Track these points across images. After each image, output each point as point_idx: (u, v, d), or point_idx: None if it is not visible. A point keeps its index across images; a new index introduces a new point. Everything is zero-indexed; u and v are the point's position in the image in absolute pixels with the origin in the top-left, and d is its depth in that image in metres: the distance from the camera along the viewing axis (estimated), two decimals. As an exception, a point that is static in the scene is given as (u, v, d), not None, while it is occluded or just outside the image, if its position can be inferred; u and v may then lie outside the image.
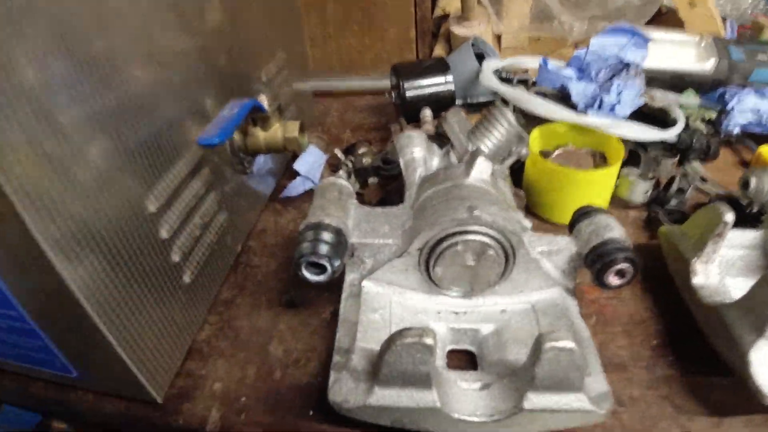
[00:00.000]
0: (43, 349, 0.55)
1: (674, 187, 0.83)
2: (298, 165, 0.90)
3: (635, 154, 0.88)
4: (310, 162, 0.90)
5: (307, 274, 0.57)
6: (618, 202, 0.86)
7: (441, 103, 0.94)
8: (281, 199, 0.90)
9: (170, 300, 0.61)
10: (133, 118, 0.52)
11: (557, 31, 1.20)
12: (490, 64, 0.94)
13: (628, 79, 0.85)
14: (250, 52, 0.82)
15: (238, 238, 0.80)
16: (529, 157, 0.77)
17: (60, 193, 0.43)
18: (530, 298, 0.63)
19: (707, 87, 1.05)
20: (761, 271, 0.68)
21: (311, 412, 0.59)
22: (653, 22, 1.25)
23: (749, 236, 0.68)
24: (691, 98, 1.00)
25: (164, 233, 0.59)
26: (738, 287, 0.67)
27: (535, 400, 0.49)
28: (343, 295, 0.63)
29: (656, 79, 1.03)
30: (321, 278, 0.57)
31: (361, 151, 0.88)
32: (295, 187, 0.90)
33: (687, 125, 0.94)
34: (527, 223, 0.69)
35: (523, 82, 0.97)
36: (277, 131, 0.76)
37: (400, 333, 0.46)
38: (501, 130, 0.66)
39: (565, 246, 0.62)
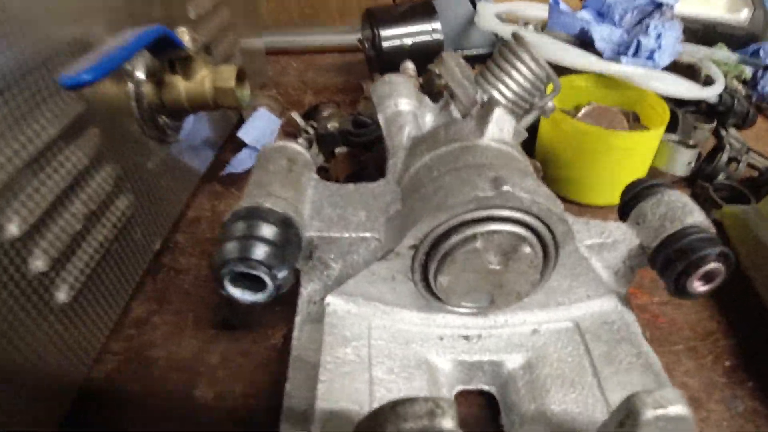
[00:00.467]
0: None
1: (723, 157, 0.64)
2: (244, 132, 0.67)
3: (671, 116, 0.68)
4: (260, 128, 0.67)
5: (236, 292, 0.35)
6: (653, 176, 0.65)
7: (426, 55, 0.72)
8: (222, 177, 0.66)
9: (34, 328, 0.37)
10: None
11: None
12: (488, 6, 0.72)
13: (665, 21, 0.64)
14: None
15: (156, 232, 0.56)
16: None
17: None
18: (572, 312, 0.42)
19: (740, 42, 0.86)
20: None
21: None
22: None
23: None
24: (726, 53, 0.80)
25: (13, 228, 0.36)
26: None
27: (618, 500, 0.29)
28: (297, 319, 0.40)
29: (684, 31, 0.83)
30: (258, 298, 0.35)
31: (326, 113, 0.65)
32: (241, 162, 0.66)
33: (725, 85, 0.74)
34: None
35: (527, 30, 0.75)
36: (205, 80, 0.53)
37: (395, 410, 0.24)
38: (523, 71, 0.45)
39: (622, 237, 0.41)
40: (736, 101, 0.73)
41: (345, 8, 0.94)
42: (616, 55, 0.63)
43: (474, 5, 0.76)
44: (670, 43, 0.62)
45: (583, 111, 0.59)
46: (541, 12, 0.81)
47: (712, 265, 0.38)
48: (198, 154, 0.66)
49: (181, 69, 0.53)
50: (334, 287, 0.40)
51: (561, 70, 0.63)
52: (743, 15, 0.83)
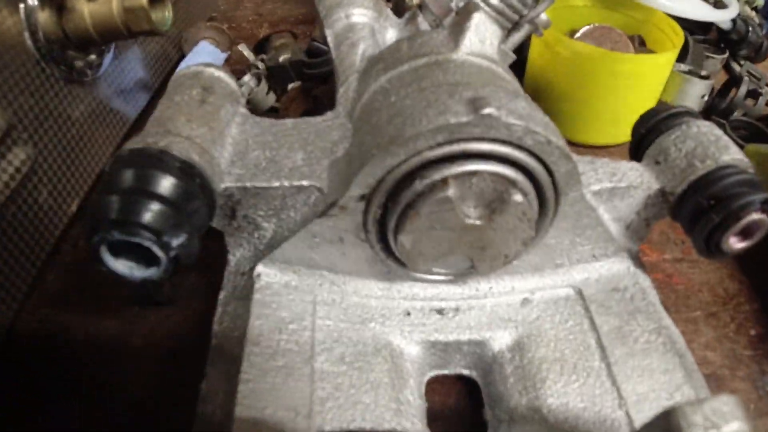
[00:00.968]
0: None
1: (742, 89, 0.53)
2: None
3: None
4: (201, 66, 0.55)
5: (120, 266, 0.24)
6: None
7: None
8: (160, 125, 0.54)
9: None
10: None
11: None
12: None
13: (678, -76, 0.52)
14: None
15: (71, 191, 0.45)
16: (540, 39, 0.44)
17: None
18: (574, 276, 0.32)
19: (751, -41, 0.73)
20: None
21: None
22: None
23: None
24: (737, -28, 0.68)
25: None
26: None
27: None
28: (221, 296, 0.30)
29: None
30: (150, 273, 0.24)
31: (278, 43, 0.53)
32: (180, 106, 0.54)
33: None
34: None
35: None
36: (112, 0, 0.40)
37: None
38: (511, -31, 0.34)
39: (638, 180, 0.31)
40: (750, 29, 0.62)
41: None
42: (621, -34, 0.51)
43: None
44: (685, -49, 0.50)
45: (581, 31, 0.48)
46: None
47: (756, 216, 0.28)
48: (128, 96, 0.54)
49: (85, -12, 0.40)
50: (266, 253, 0.29)
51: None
52: (760, -72, 0.70)
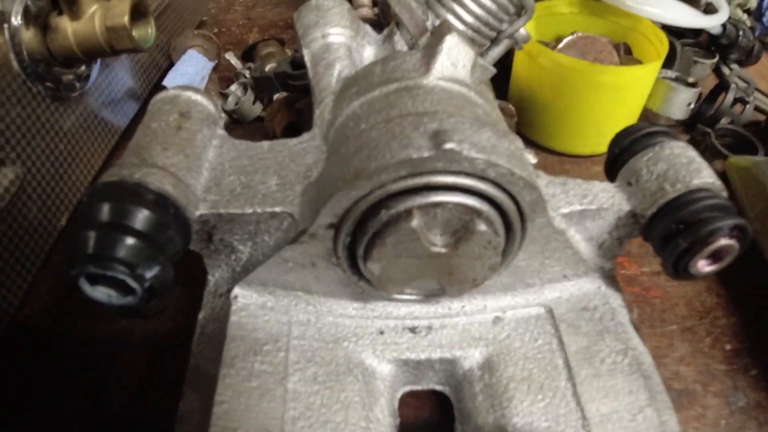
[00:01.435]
0: None
1: (729, 97, 0.53)
2: (170, 80, 0.55)
3: (669, 49, 0.57)
4: (190, 74, 0.55)
5: (99, 294, 0.25)
6: (644, 119, 0.55)
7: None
8: (150, 133, 0.55)
9: None
10: None
11: None
12: None
13: (666, -71, 0.52)
14: None
15: (60, 206, 0.46)
16: (523, 49, 0.44)
17: None
18: (545, 295, 0.33)
19: (747, -40, 0.73)
20: None
21: None
22: None
23: None
24: (730, -26, 0.68)
25: None
26: None
27: None
28: (200, 317, 0.31)
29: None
30: (127, 301, 0.25)
31: (265, 52, 0.53)
32: (169, 115, 0.55)
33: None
34: (531, 157, 0.38)
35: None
36: (94, 18, 0.41)
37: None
38: (487, -12, 0.34)
39: (609, 202, 0.31)
40: (740, 33, 0.62)
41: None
42: (607, -26, 0.51)
43: None
44: (672, -42, 0.50)
45: (564, 41, 0.48)
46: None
47: (724, 242, 0.28)
48: (116, 107, 0.54)
49: (67, 7, 0.41)
50: (243, 275, 0.30)
51: (541, -5, 0.52)
52: (754, -71, 0.70)
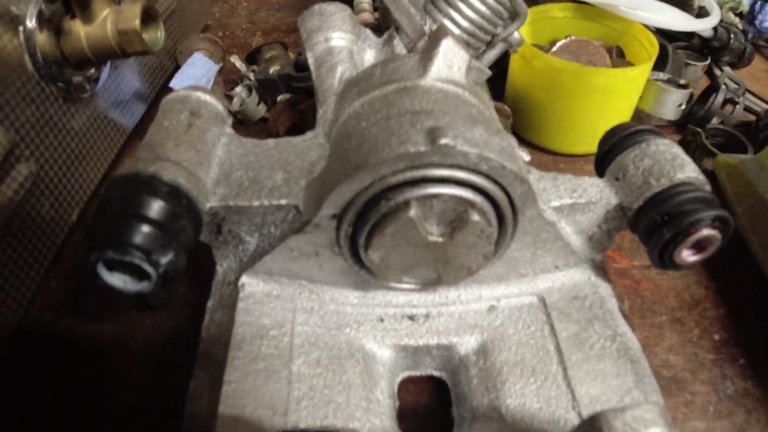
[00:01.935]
0: None
1: (719, 98, 0.55)
2: (177, 82, 0.57)
3: (661, 51, 0.59)
4: (195, 76, 0.57)
5: (116, 281, 0.27)
6: (637, 120, 0.57)
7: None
8: (156, 134, 0.57)
9: None
10: None
11: None
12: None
13: (657, -64, 0.54)
14: None
15: (71, 202, 0.48)
16: (518, 51, 0.46)
17: None
18: (537, 285, 0.35)
19: (739, -35, 0.75)
20: None
21: None
22: None
23: None
24: (722, -22, 0.70)
25: None
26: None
27: None
28: (209, 304, 0.33)
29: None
30: (142, 287, 0.27)
31: (269, 55, 0.55)
32: (176, 116, 0.57)
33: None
34: (525, 155, 0.40)
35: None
36: (107, 22, 0.43)
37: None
38: (481, -6, 0.36)
39: (597, 196, 0.33)
40: (732, 36, 0.64)
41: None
42: (600, -20, 0.53)
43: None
44: (662, -36, 0.52)
45: (558, 45, 0.50)
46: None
47: (706, 232, 0.30)
48: (125, 108, 0.56)
49: (80, 11, 0.43)
50: (250, 265, 0.32)
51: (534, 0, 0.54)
52: (745, -66, 0.72)
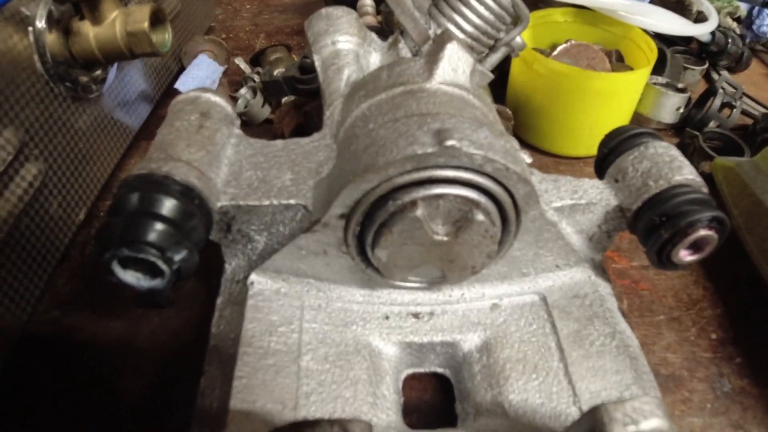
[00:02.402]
0: None
1: (716, 102, 0.56)
2: (183, 83, 0.58)
3: (660, 55, 0.60)
4: (200, 78, 0.58)
5: (129, 278, 0.28)
6: (635, 123, 0.58)
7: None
8: (161, 134, 0.58)
9: None
10: None
11: None
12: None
13: (656, -57, 0.55)
14: None
15: (78, 201, 0.48)
16: (519, 56, 0.47)
17: None
18: (539, 284, 0.36)
19: (736, -29, 0.76)
20: None
21: None
22: None
23: None
24: (719, -16, 0.71)
25: None
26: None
27: None
28: (218, 301, 0.34)
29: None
30: (156, 283, 0.28)
31: (273, 57, 0.56)
32: (181, 117, 0.58)
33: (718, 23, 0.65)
34: (526, 156, 0.41)
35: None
36: (116, 24, 0.44)
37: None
38: (484, 0, 0.37)
39: (598, 197, 0.34)
40: (730, 41, 0.65)
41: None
42: (600, -15, 0.54)
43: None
44: (661, -29, 0.54)
45: (558, 49, 0.51)
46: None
47: (703, 233, 0.31)
48: (131, 109, 0.57)
49: (89, 13, 0.44)
50: (259, 263, 0.33)
51: (537, 3, 0.55)
52: (743, -59, 0.73)
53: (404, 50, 0.38)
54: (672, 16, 0.57)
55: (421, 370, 0.35)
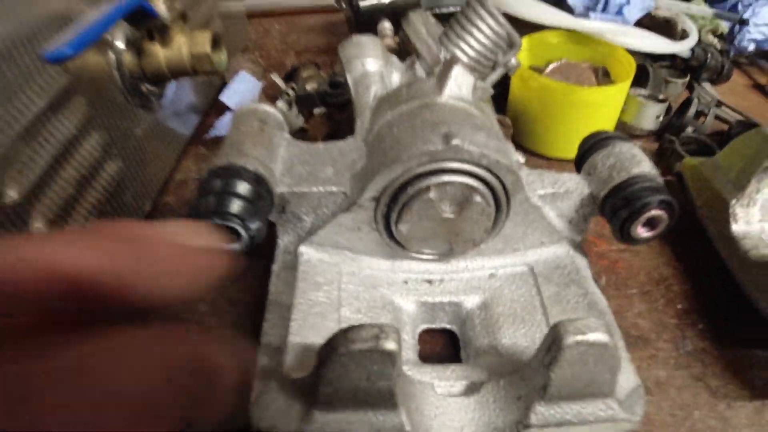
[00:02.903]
0: None
1: (691, 110, 0.66)
2: (227, 96, 0.69)
3: (642, 71, 0.70)
4: (242, 92, 0.69)
5: (214, 242, 0.38)
6: (621, 130, 0.68)
7: (402, 13, 0.73)
8: (207, 140, 0.69)
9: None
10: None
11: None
12: (464, -37, 0.72)
13: (637, -26, 0.65)
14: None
15: (145, 194, 0.59)
16: (516, 72, 0.57)
17: None
18: (527, 257, 0.45)
19: (718, -6, 0.86)
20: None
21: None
22: None
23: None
24: (702, 8, 0.81)
25: (12, 193, 0.39)
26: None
27: (547, 413, 0.33)
28: (274, 267, 0.44)
29: (662, -17, 0.83)
30: (236, 246, 0.38)
31: (306, 75, 0.67)
32: (224, 125, 0.69)
33: (699, 39, 0.75)
34: (520, 157, 0.51)
35: (505, -13, 0.75)
36: (182, 47, 0.55)
37: (345, 335, 0.28)
38: (484, 30, 0.47)
39: (574, 187, 0.44)
40: (709, 55, 0.75)
41: (325, -33, 0.94)
42: (586, 11, 0.64)
43: (451, -37, 0.77)
44: (640, -2, 0.64)
45: (550, 67, 0.61)
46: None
47: (654, 212, 0.41)
48: (183, 118, 0.68)
49: (159, 37, 0.55)
50: (306, 238, 0.43)
51: (533, 26, 0.65)
52: (723, -33, 0.83)
53: (419, 70, 0.48)
54: (652, 36, 0.67)
55: (433, 326, 0.45)
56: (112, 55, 0.53)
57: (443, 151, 0.36)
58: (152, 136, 0.61)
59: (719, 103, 0.72)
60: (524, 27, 0.64)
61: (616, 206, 0.42)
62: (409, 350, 0.41)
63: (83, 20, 0.45)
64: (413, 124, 0.40)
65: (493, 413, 0.34)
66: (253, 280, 0.51)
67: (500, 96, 0.65)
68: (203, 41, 0.55)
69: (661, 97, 0.68)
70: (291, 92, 0.67)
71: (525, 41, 0.65)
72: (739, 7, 0.85)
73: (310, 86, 0.65)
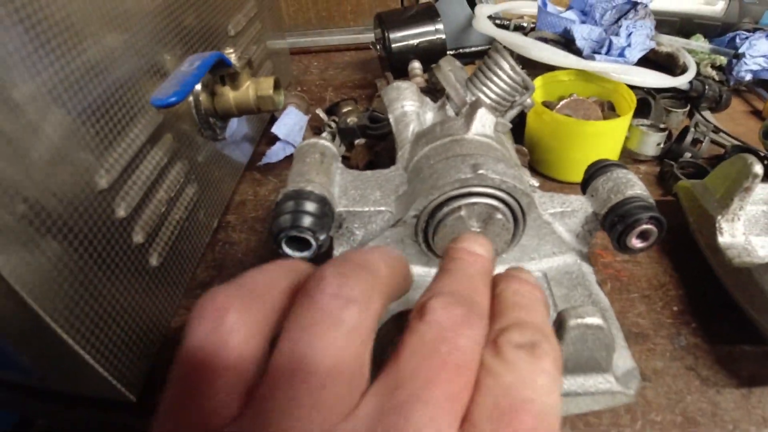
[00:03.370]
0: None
1: (688, 138, 0.76)
2: (277, 128, 0.81)
3: (645, 103, 0.80)
4: (290, 125, 0.81)
5: (289, 251, 0.49)
6: (627, 156, 0.78)
7: (431, 54, 0.85)
8: (260, 167, 0.81)
9: (136, 286, 0.52)
10: (85, 83, 0.45)
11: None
12: (484, 9, 0.84)
13: (637, 20, 0.76)
14: (216, 1, 0.71)
15: (213, 213, 0.71)
16: (531, 109, 0.68)
17: (14, 174, 0.37)
18: (541, 265, 0.56)
19: (716, 31, 0.97)
20: (791, 226, 0.61)
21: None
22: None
23: (774, 190, 0.62)
24: (700, 43, 0.92)
25: (121, 211, 0.50)
26: (763, 246, 0.61)
27: (556, 384, 0.43)
28: (332, 272, 0.55)
29: (663, 23, 0.94)
30: (305, 254, 0.49)
31: (346, 110, 0.79)
32: (275, 153, 0.81)
33: (698, 72, 0.86)
34: (534, 181, 0.62)
35: (520, 29, 0.87)
36: (249, 89, 0.67)
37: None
38: (503, 77, 0.58)
39: (579, 206, 0.54)
40: (706, 87, 0.85)
41: (358, 10, 1.07)
42: (592, 53, 0.75)
43: (472, 8, 0.89)
44: (640, 41, 0.74)
45: (561, 104, 0.72)
46: (535, 9, 0.93)
47: (645, 226, 0.51)
48: (241, 148, 0.81)
49: (230, 81, 0.67)
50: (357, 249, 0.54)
51: (547, 67, 0.76)
52: (719, 6, 0.93)
53: (449, 111, 0.59)
54: (651, 73, 0.77)
55: (463, 323, 0.55)
56: (191, 97, 0.66)
57: (472, 179, 0.47)
58: (217, 163, 0.73)
59: (716, 129, 0.82)
60: (540, 67, 0.75)
61: (614, 222, 0.52)
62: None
63: (179, 73, 0.57)
64: (447, 156, 0.51)
65: (514, 385, 0.44)
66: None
67: (518, 127, 0.76)
68: (268, 85, 0.67)
69: (661, 126, 0.78)
70: (333, 125, 0.79)
71: (539, 80, 0.76)
72: (737, 40, 0.95)
73: (350, 120, 0.77)
